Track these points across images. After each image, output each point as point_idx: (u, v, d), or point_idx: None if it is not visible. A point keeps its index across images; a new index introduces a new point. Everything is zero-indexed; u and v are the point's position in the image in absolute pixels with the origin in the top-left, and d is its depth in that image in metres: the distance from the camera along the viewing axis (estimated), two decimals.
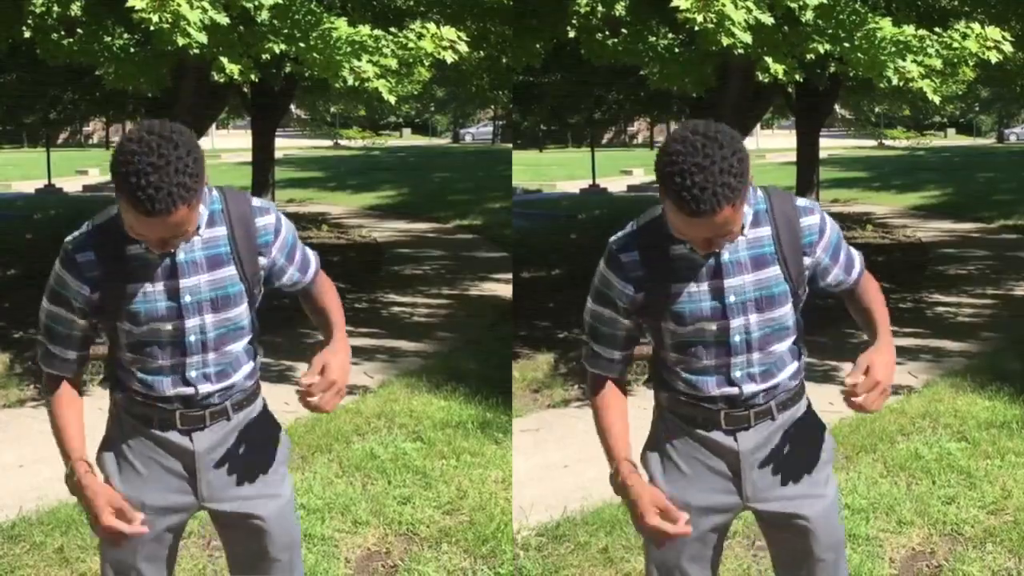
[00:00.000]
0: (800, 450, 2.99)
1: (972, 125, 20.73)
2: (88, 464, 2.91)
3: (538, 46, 8.54)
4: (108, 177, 2.62)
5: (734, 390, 2.92)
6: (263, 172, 11.65)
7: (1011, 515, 4.92)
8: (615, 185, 14.97)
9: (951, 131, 20.59)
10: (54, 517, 4.89)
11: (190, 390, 2.94)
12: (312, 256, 3.10)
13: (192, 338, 2.90)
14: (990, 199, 16.40)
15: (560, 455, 5.84)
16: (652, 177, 2.70)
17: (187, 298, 2.87)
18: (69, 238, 2.87)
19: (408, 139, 20.26)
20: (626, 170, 15.74)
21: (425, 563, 4.58)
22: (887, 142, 18.90)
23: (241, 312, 2.96)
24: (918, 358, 7.65)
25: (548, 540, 4.79)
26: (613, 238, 2.90)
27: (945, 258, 12.16)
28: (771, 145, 16.70)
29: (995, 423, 6.09)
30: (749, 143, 13.07)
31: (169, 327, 2.88)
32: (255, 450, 3.04)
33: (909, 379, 7.04)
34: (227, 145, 16.75)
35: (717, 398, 2.93)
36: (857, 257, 3.01)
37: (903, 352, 6.86)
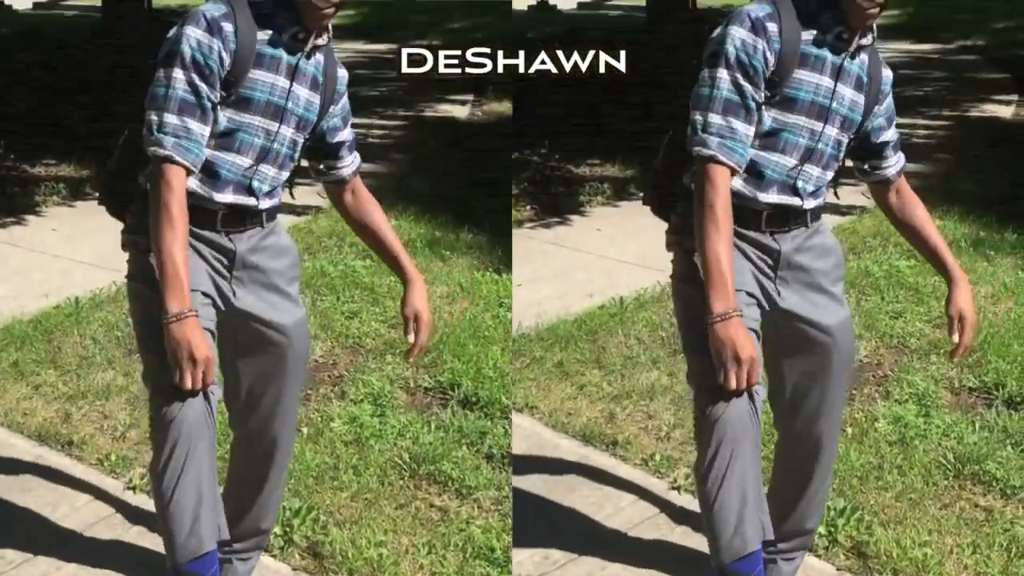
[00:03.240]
0: (825, 260, 3.07)
1: None
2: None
3: None
4: None
5: (796, 200, 2.96)
6: None
7: None
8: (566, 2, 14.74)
9: None
10: (8, 333, 4.94)
11: (251, 200, 2.93)
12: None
13: (277, 145, 2.90)
14: (951, 19, 16.29)
15: (513, 274, 5.88)
16: None
17: (291, 104, 2.88)
18: (207, 6, 2.79)
19: None
20: None
21: (369, 373, 4.69)
22: None
23: (304, 141, 3.00)
24: None
25: None
26: (750, 8, 2.85)
27: (902, 80, 12.03)
28: None
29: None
30: None
31: (265, 126, 2.87)
32: (280, 260, 3.07)
33: (862, 199, 7.06)
34: None
35: (773, 204, 2.95)
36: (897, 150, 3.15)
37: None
